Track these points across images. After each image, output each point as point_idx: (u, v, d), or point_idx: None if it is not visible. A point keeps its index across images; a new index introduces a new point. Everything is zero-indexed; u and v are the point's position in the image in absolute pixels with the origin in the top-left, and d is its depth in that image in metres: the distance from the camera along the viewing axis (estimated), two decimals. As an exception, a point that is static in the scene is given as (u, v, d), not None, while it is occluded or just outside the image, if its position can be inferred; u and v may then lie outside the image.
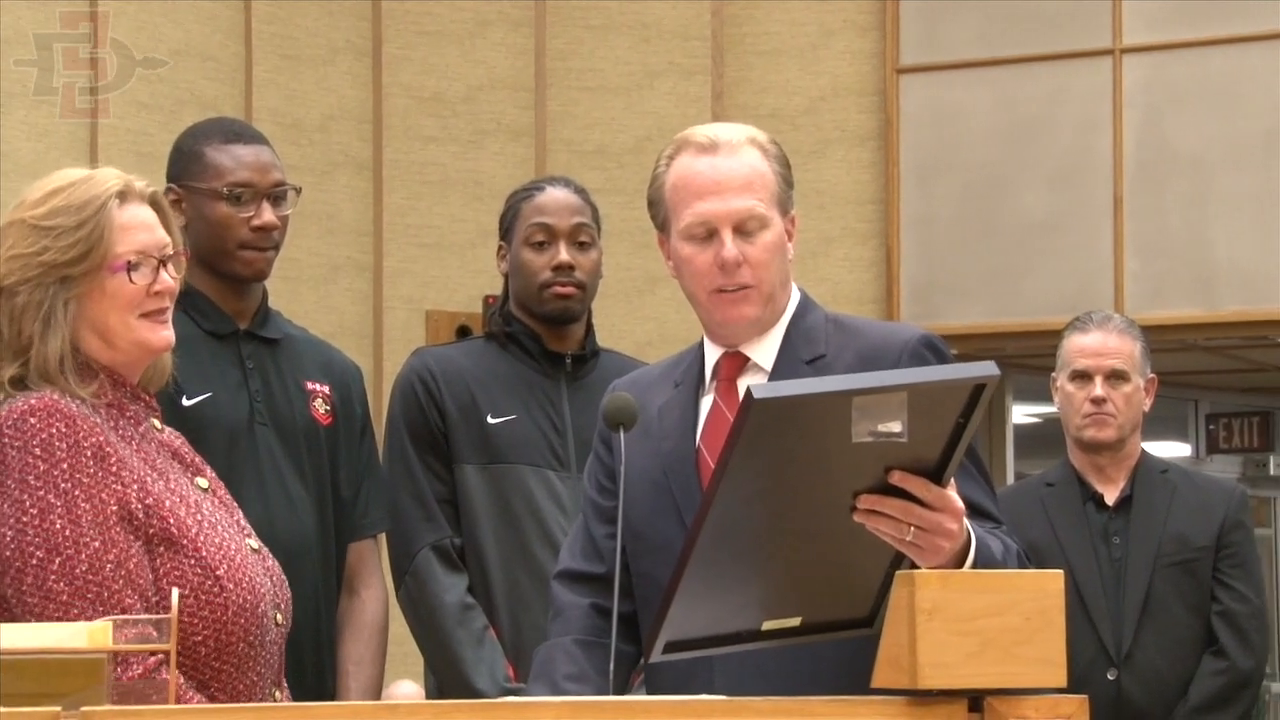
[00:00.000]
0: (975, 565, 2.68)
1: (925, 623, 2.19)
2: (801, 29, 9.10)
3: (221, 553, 2.96)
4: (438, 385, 4.12)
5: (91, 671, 2.21)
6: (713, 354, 3.12)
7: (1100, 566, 4.77)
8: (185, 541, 2.93)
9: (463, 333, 8.25)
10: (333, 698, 3.74)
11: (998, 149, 8.90)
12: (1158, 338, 6.20)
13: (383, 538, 4.02)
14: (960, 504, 2.61)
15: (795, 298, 3.13)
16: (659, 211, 3.11)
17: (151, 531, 2.91)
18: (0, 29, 7.40)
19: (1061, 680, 2.23)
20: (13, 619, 2.83)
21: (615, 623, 2.82)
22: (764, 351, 3.08)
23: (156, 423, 3.07)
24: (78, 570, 2.85)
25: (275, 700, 3.04)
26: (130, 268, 2.98)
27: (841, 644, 2.71)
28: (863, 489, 2.53)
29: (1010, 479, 9.20)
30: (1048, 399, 5.06)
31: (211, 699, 2.91)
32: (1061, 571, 2.28)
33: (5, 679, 2.18)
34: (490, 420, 4.11)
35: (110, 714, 2.17)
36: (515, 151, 8.84)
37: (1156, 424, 6.55)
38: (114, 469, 2.90)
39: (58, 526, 2.85)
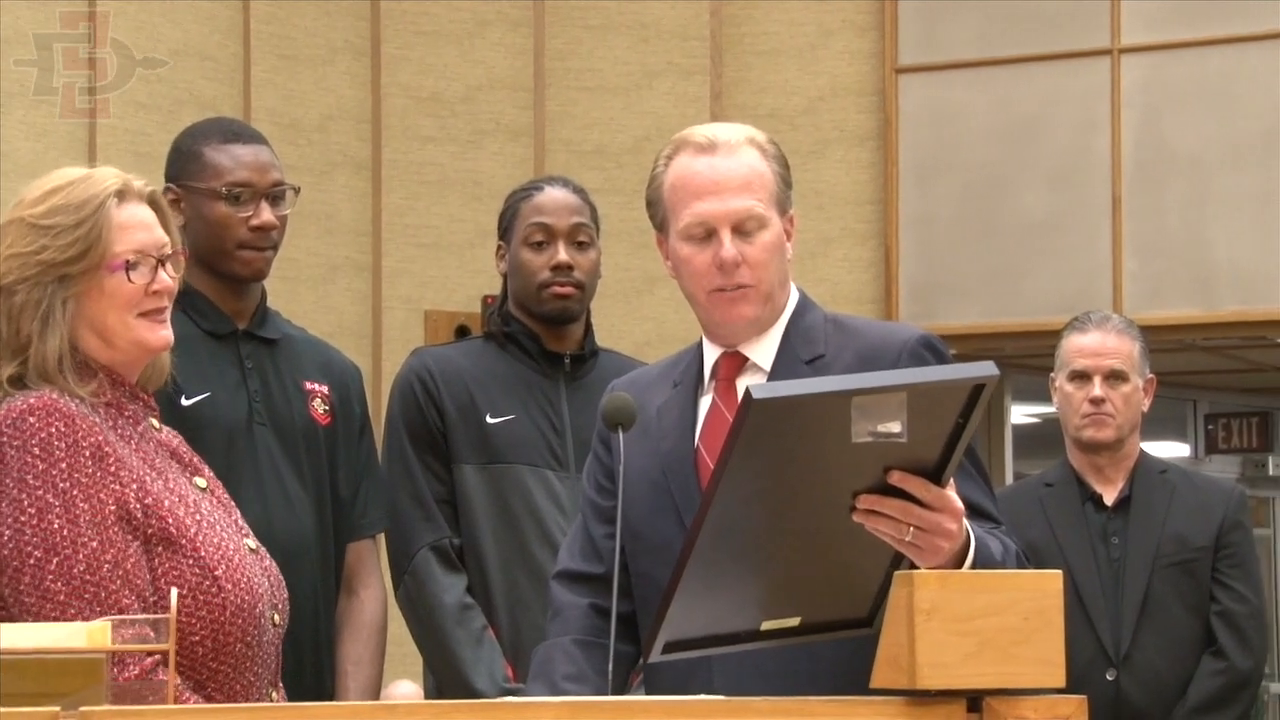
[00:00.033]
0: (974, 565, 2.68)
1: (924, 623, 2.19)
2: (800, 29, 9.10)
3: (220, 553, 2.96)
4: (436, 385, 4.12)
5: (90, 671, 2.21)
6: (711, 354, 3.12)
7: (1099, 567, 4.77)
8: (184, 541, 2.93)
9: (461, 333, 8.25)
10: (331, 698, 3.74)
11: (996, 149, 8.90)
12: (1156, 338, 6.20)
13: (381, 538, 4.02)
14: (959, 504, 2.61)
15: (794, 298, 3.13)
16: (657, 211, 3.11)
17: (150, 531, 2.91)
18: (0, 29, 7.40)
19: (1060, 680, 2.23)
20: (10, 618, 2.83)
21: (614, 623, 2.82)
22: (763, 351, 3.08)
23: (155, 422, 3.07)
24: (75, 570, 2.84)
25: (272, 700, 3.04)
26: (129, 267, 2.98)
27: (840, 644, 2.71)
28: (862, 489, 2.53)
29: (1009, 479, 9.20)
30: (1046, 399, 5.06)
31: (208, 699, 2.91)
32: (1060, 572, 2.28)
33: (4, 679, 2.18)
34: (489, 420, 4.11)
35: (109, 714, 2.17)
36: (514, 151, 8.84)
37: (1155, 424, 6.55)
38: (112, 468, 2.90)
39: (55, 526, 2.85)
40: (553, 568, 3.27)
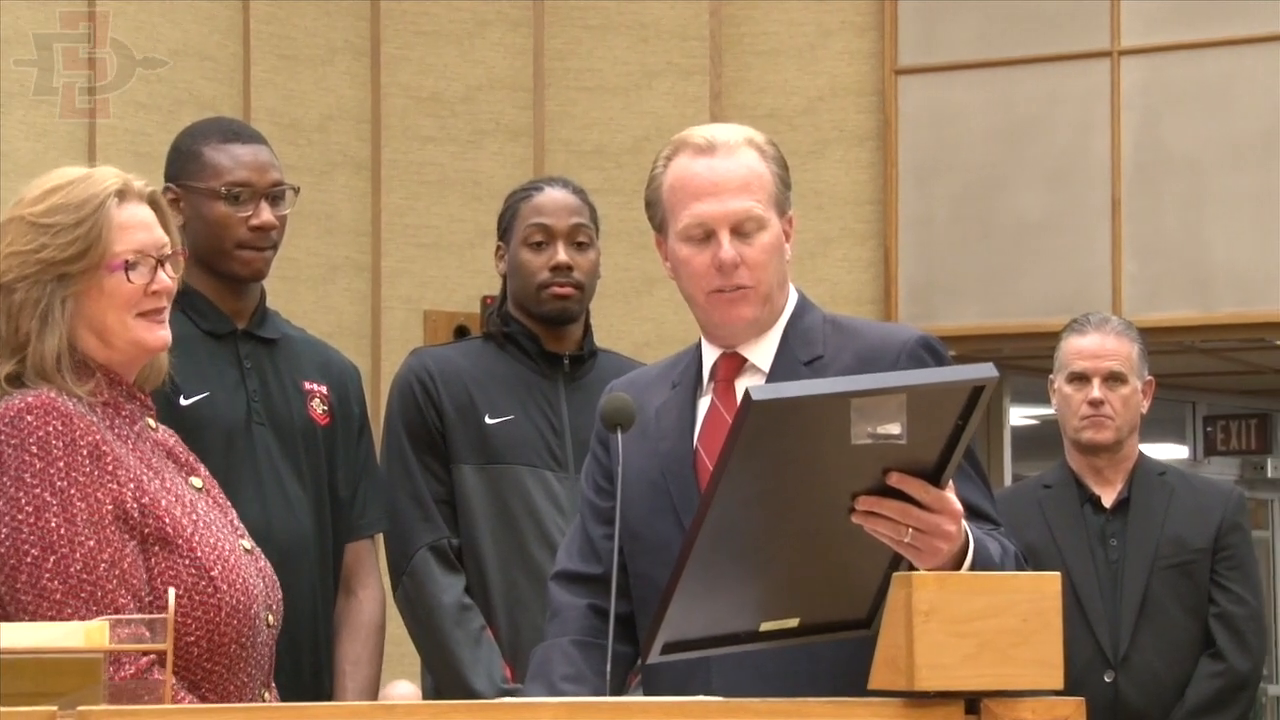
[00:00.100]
0: (973, 567, 2.68)
1: (922, 624, 2.19)
2: (800, 29, 9.10)
3: (216, 553, 2.96)
4: (435, 385, 4.12)
5: (88, 671, 2.21)
6: (710, 355, 3.12)
7: (1097, 568, 4.77)
8: (180, 541, 2.93)
9: (461, 333, 8.25)
10: (330, 698, 3.74)
11: (996, 150, 8.90)
12: (1155, 340, 6.20)
13: (380, 538, 4.02)
14: (958, 506, 2.61)
15: (793, 298, 3.13)
16: (656, 212, 3.11)
17: (146, 531, 2.91)
18: (0, 29, 7.40)
19: (1058, 682, 2.23)
20: (6, 617, 2.83)
21: (612, 623, 2.81)
22: (762, 352, 3.08)
23: (151, 422, 3.07)
24: (72, 569, 2.84)
25: (264, 701, 3.04)
26: (128, 267, 2.98)
27: (839, 645, 2.71)
28: (861, 490, 2.53)
29: (1008, 481, 9.20)
30: (1045, 401, 5.06)
31: (202, 699, 2.90)
32: (1059, 573, 2.28)
33: (2, 678, 2.18)
34: (488, 420, 4.11)
35: (106, 714, 2.17)
36: (513, 151, 8.84)
37: (1154, 426, 6.55)
38: (110, 468, 2.90)
39: (53, 525, 2.85)
40: (551, 568, 3.27)
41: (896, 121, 8.98)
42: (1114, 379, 4.80)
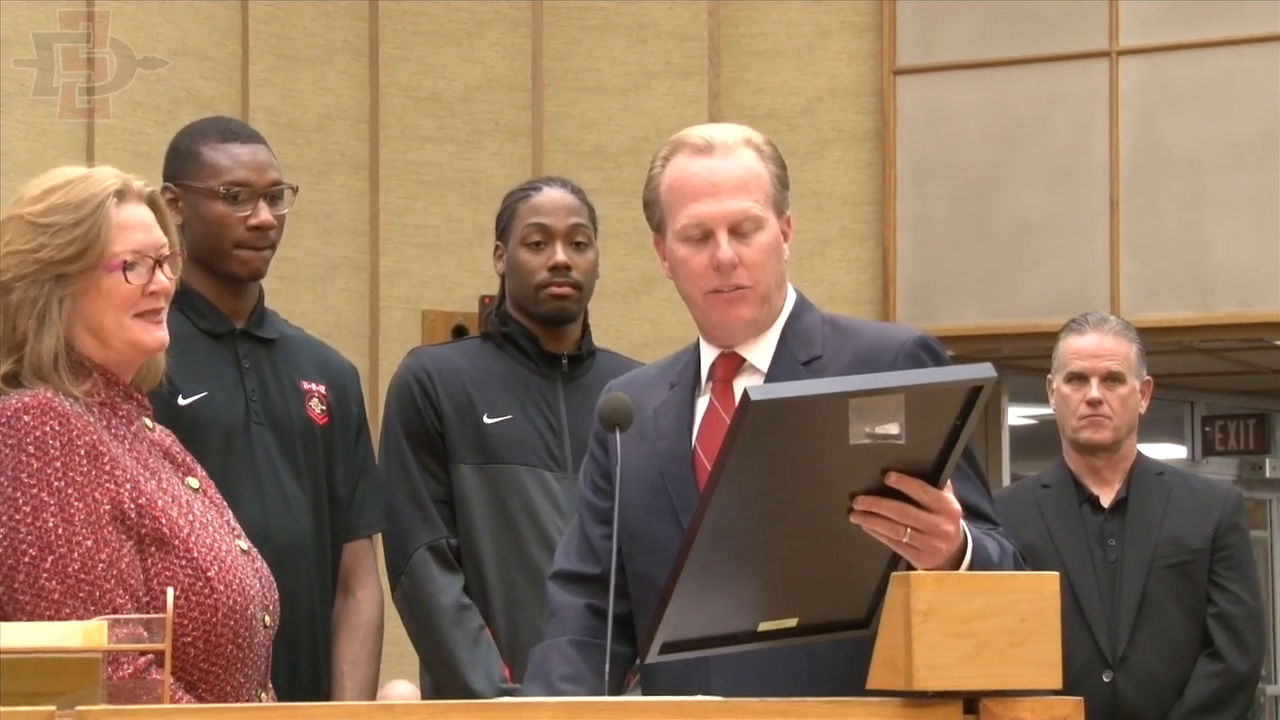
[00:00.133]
0: (972, 567, 2.68)
1: (921, 624, 2.19)
2: (798, 30, 9.09)
3: (212, 554, 2.96)
4: (434, 385, 4.12)
5: (87, 671, 2.21)
6: (708, 355, 3.12)
7: (1096, 568, 4.77)
8: (176, 542, 2.93)
9: (459, 333, 8.24)
10: (328, 698, 3.74)
11: (994, 150, 8.90)
12: (1153, 340, 6.20)
13: (378, 538, 4.02)
14: (957, 506, 2.61)
15: (791, 299, 3.13)
16: (654, 213, 3.11)
17: (143, 531, 2.91)
18: (0, 29, 7.39)
19: (1057, 682, 2.23)
20: (4, 617, 2.83)
21: (611, 623, 2.81)
22: (760, 353, 3.08)
23: (148, 422, 3.07)
24: (70, 569, 2.84)
25: (261, 702, 3.04)
26: (126, 267, 2.98)
27: (838, 645, 2.71)
28: (859, 490, 2.53)
29: (1006, 480, 9.20)
30: (1044, 401, 5.06)
31: (198, 700, 2.90)
32: (1057, 574, 2.28)
33: (1, 678, 2.18)
34: (486, 420, 4.11)
35: (105, 714, 2.17)
36: (512, 151, 8.84)
37: (1152, 426, 6.55)
38: (107, 468, 2.90)
39: (50, 525, 2.85)
40: (550, 568, 3.27)
41: (895, 122, 8.98)
42: (1112, 379, 4.80)
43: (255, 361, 3.77)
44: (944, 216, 8.96)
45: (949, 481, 2.58)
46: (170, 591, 2.54)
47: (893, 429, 2.44)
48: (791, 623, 2.62)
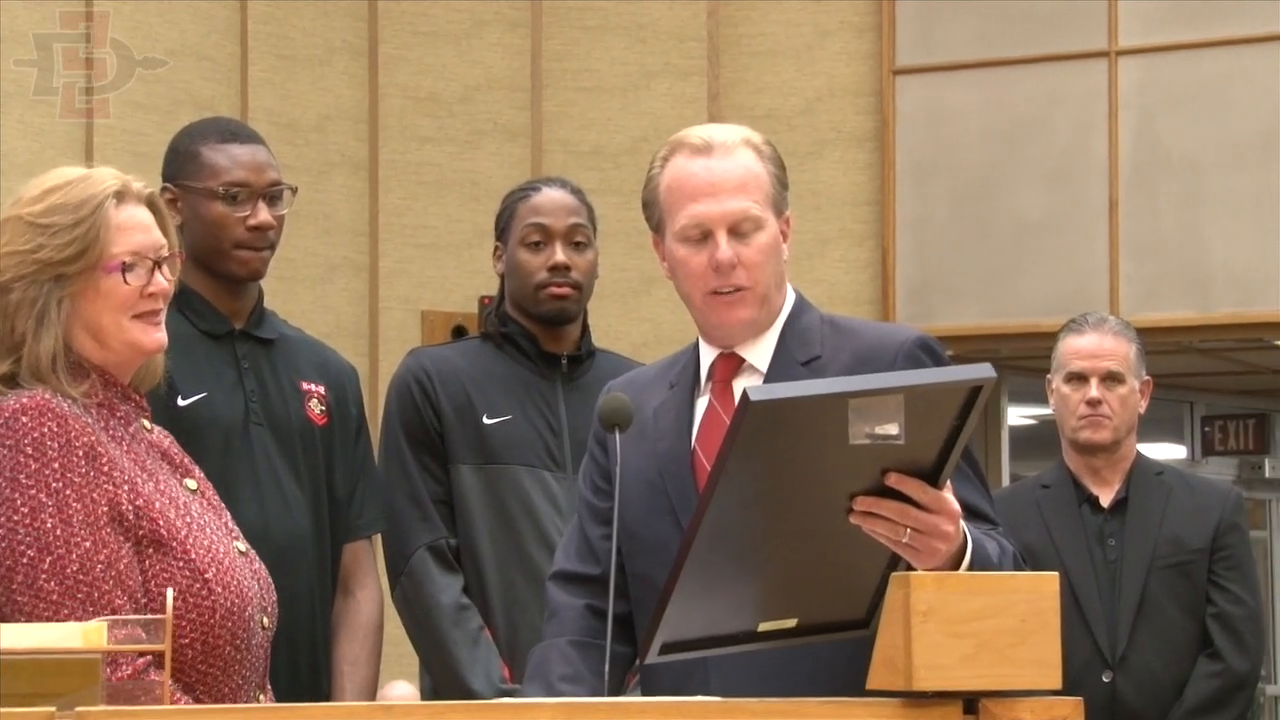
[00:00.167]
0: (971, 567, 2.68)
1: (920, 624, 2.19)
2: (797, 30, 9.09)
3: (210, 555, 2.95)
4: (433, 385, 4.12)
5: (86, 672, 2.21)
6: (708, 355, 3.12)
7: (1095, 569, 4.77)
8: (174, 544, 2.93)
9: (458, 333, 8.24)
10: (328, 698, 3.74)
11: (993, 150, 8.90)
12: (1153, 340, 6.20)
13: (378, 538, 4.02)
14: (956, 506, 2.61)
15: (790, 299, 3.13)
16: (654, 213, 3.11)
17: (141, 533, 2.91)
18: (0, 29, 7.39)
19: (1056, 682, 2.23)
20: (3, 618, 2.83)
21: (610, 623, 2.81)
22: (759, 353, 3.08)
23: (146, 423, 3.07)
24: (68, 570, 2.84)
25: (259, 703, 3.04)
26: (125, 268, 2.97)
27: (838, 645, 2.71)
28: (859, 491, 2.53)
29: (1006, 481, 9.20)
30: (1043, 401, 5.06)
31: (196, 701, 2.90)
32: (1057, 574, 2.28)
33: (1, 679, 2.18)
34: (486, 421, 4.11)
35: (104, 714, 2.17)
36: (511, 152, 8.84)
37: (1152, 426, 6.55)
38: (105, 469, 2.89)
39: (49, 526, 2.85)
40: (549, 568, 3.27)
41: (894, 122, 8.98)
42: (1112, 379, 4.80)
43: (254, 362, 3.77)
44: (943, 217, 8.96)
45: (949, 482, 2.58)
46: (170, 592, 2.54)
47: (892, 429, 2.44)
48: (791, 623, 2.62)
